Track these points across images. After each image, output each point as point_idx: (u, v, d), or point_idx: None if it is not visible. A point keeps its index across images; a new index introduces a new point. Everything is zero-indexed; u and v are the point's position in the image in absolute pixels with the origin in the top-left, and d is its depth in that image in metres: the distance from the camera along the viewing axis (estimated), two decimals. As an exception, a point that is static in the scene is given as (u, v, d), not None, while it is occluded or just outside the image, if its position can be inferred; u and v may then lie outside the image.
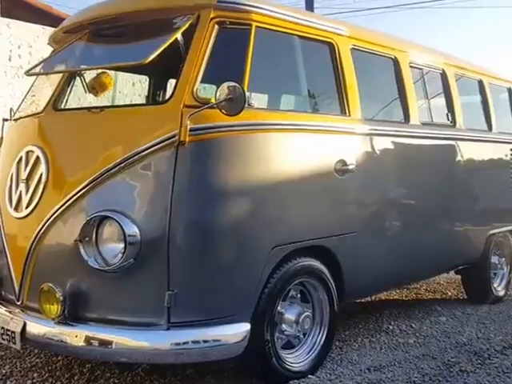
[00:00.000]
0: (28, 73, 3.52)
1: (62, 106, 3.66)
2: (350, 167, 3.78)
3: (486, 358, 3.97)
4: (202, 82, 3.20)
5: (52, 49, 4.11)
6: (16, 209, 3.43)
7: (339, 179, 3.73)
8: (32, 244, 3.28)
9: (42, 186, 3.31)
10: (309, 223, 3.56)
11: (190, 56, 3.20)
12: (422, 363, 3.85)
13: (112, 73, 3.87)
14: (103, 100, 4.12)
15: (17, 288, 3.39)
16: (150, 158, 3.07)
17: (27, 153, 3.47)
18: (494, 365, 3.83)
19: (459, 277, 5.83)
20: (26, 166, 3.43)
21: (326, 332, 3.69)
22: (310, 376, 3.55)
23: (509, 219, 5.70)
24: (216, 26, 3.27)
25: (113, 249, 3.04)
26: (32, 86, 4.11)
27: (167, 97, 3.48)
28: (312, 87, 3.80)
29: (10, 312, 3.37)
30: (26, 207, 3.36)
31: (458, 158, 4.95)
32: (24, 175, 3.42)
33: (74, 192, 3.18)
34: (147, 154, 3.06)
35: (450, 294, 5.98)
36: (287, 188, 3.43)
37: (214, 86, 3.43)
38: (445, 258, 4.93)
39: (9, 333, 3.25)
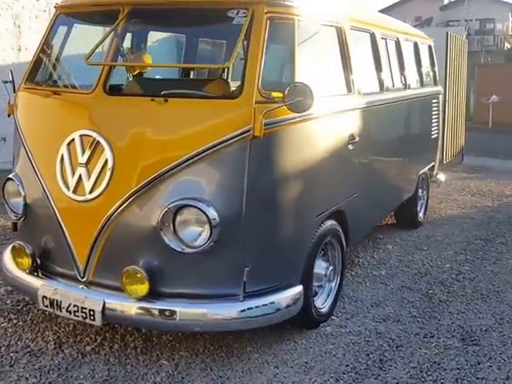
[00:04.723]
0: (88, 61, 3.23)
1: (108, 88, 3.43)
2: (356, 138, 4.01)
3: (449, 286, 4.56)
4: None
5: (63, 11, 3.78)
6: (75, 192, 3.27)
7: (350, 150, 3.96)
8: (103, 227, 3.19)
9: (108, 172, 3.16)
10: (336, 192, 3.83)
11: (252, 52, 3.15)
12: (407, 296, 4.33)
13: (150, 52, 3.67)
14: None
15: (81, 266, 3.30)
16: (225, 150, 3.06)
17: (81, 136, 3.25)
18: (460, 293, 4.42)
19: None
20: (83, 150, 3.24)
21: (338, 279, 4.03)
22: (333, 317, 3.90)
23: (430, 159, 6.31)
24: (268, 22, 3.23)
25: (194, 233, 3.07)
26: (37, 54, 3.79)
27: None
28: (332, 69, 3.89)
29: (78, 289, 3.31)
30: (91, 192, 3.21)
31: (407, 113, 5.41)
32: (82, 159, 3.23)
33: (148, 179, 3.10)
34: (223, 146, 3.05)
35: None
36: (324, 165, 3.61)
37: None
38: (399, 197, 5.49)
39: (85, 310, 3.20)
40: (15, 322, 3.82)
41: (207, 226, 3.03)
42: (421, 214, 6.29)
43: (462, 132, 10.66)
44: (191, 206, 3.04)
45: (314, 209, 3.54)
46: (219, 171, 3.13)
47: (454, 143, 9.99)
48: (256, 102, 3.07)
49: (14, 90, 3.81)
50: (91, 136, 3.23)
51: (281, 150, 3.25)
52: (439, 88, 6.62)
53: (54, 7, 3.84)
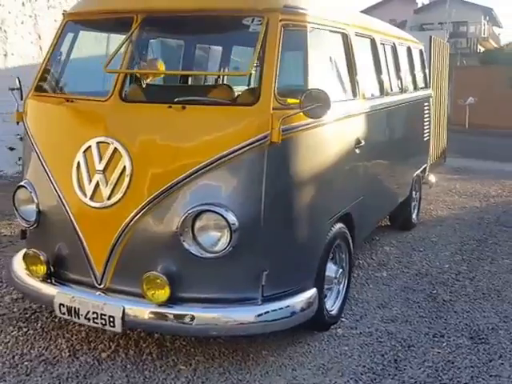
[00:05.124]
0: (106, 69, 3.24)
1: (124, 95, 3.45)
2: (362, 142, 4.08)
3: (451, 286, 4.66)
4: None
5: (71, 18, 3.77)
6: (92, 198, 3.27)
7: (357, 154, 4.03)
8: (121, 233, 3.20)
9: (127, 179, 3.18)
10: (344, 195, 3.90)
11: (268, 59, 3.19)
12: (411, 297, 4.41)
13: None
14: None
15: (98, 272, 3.31)
16: (243, 156, 3.09)
17: (98, 143, 3.26)
18: (462, 292, 4.52)
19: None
20: (101, 156, 3.24)
21: (346, 281, 4.09)
22: (342, 319, 3.96)
23: (422, 161, 6.45)
24: (282, 29, 3.28)
25: (214, 238, 3.10)
26: (45, 61, 3.79)
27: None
28: (339, 74, 3.96)
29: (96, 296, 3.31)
30: (109, 198, 3.22)
31: (404, 116, 5.51)
32: (100, 166, 3.23)
33: (167, 185, 3.11)
34: (241, 152, 3.09)
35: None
36: (335, 169, 3.68)
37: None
38: (396, 199, 5.60)
39: (105, 317, 3.20)
40: (25, 330, 3.80)
41: (227, 231, 3.06)
42: (414, 216, 6.40)
43: (444, 134, 10.86)
44: (211, 211, 3.07)
45: (326, 212, 3.62)
46: (237, 177, 3.16)
47: (437, 145, 10.17)
48: (273, 109, 3.11)
49: (22, 97, 3.80)
50: (108, 143, 3.24)
51: (296, 156, 3.30)
52: (430, 91, 6.77)
53: (62, 14, 3.84)
